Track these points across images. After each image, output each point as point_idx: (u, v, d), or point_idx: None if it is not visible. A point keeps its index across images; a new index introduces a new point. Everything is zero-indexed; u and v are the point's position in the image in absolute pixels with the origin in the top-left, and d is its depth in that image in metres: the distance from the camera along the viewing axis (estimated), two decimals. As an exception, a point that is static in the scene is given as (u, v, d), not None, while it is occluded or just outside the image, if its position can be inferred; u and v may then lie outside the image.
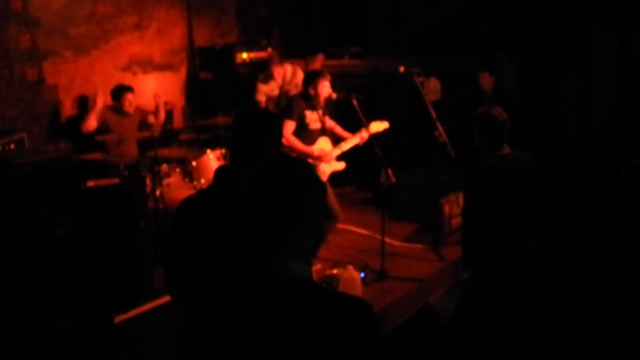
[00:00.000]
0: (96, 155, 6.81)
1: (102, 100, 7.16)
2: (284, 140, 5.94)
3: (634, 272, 4.47)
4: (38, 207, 4.52)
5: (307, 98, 6.18)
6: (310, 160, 6.05)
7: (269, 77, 8.44)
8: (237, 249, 2.67)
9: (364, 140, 6.32)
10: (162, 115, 7.69)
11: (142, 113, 7.62)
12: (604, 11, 7.92)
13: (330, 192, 6.23)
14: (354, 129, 6.38)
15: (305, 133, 6.16)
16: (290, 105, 6.21)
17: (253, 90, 8.33)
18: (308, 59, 8.25)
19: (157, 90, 7.97)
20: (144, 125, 7.54)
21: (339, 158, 6.43)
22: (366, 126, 6.20)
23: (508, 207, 4.31)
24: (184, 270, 2.84)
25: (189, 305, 2.91)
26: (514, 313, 4.40)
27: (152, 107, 7.80)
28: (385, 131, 6.43)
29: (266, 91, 8.37)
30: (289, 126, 6.05)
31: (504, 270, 4.39)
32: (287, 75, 8.39)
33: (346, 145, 6.39)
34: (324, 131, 6.34)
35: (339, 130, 6.51)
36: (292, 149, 6.07)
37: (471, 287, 4.65)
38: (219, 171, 2.88)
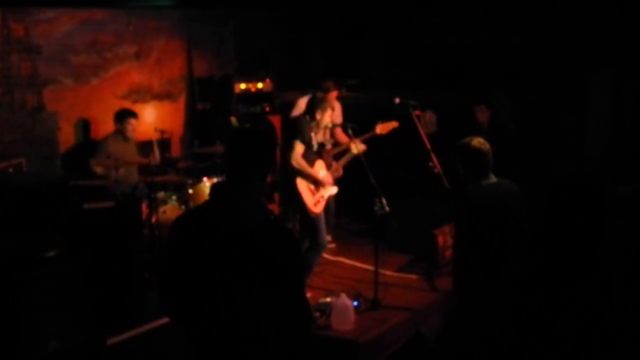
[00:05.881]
0: (94, 182, 6.84)
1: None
2: (293, 162, 5.98)
3: (622, 298, 4.47)
4: (33, 229, 4.56)
5: (312, 120, 6.24)
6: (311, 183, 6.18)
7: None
8: (232, 264, 2.67)
9: (361, 149, 6.44)
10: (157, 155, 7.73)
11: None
12: (598, 49, 8.03)
13: (323, 217, 6.27)
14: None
15: (308, 155, 6.17)
16: (302, 126, 6.13)
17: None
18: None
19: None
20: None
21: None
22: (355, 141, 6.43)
23: (496, 236, 4.33)
24: (178, 287, 2.82)
25: (184, 322, 2.88)
26: (500, 340, 4.41)
27: (150, 136, 7.86)
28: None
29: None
30: (299, 148, 6.02)
31: (493, 299, 4.41)
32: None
33: (338, 163, 6.58)
34: (318, 153, 6.42)
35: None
36: (300, 171, 6.05)
37: (457, 311, 4.66)
38: (214, 187, 2.85)
